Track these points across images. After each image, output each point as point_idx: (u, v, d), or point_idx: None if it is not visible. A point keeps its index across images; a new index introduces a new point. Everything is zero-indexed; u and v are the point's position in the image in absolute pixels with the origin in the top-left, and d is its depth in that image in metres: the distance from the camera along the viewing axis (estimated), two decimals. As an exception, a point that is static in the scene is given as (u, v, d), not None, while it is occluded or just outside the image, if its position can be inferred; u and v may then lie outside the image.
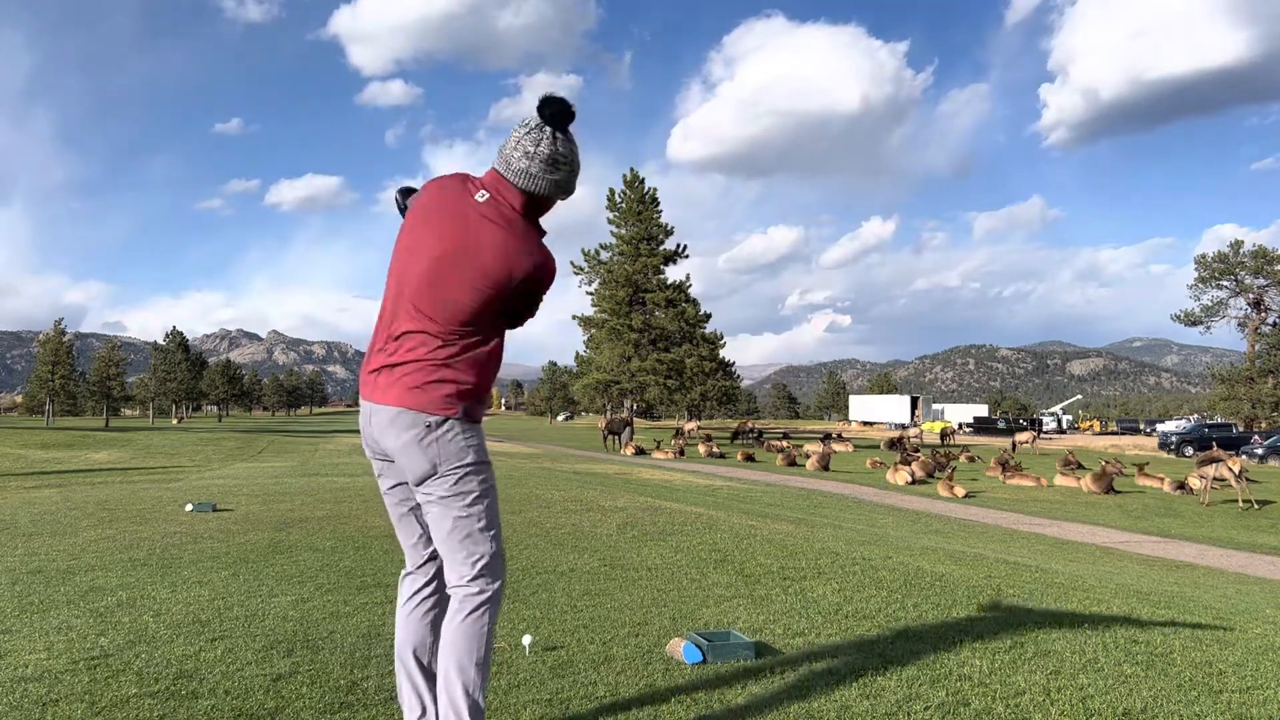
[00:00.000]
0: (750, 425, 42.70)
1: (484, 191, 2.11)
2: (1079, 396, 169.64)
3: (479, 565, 2.10)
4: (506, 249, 2.04)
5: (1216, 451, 20.03)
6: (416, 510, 2.22)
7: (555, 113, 2.08)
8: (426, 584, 2.24)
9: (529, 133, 2.09)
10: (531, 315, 2.21)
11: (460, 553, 2.10)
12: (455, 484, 2.08)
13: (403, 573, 2.29)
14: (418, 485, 2.11)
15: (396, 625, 2.25)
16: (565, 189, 2.15)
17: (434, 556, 2.22)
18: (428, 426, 2.05)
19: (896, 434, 42.48)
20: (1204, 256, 55.91)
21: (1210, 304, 55.92)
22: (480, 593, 2.09)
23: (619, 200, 51.99)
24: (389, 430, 2.09)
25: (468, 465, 2.09)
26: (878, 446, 37.64)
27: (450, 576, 2.12)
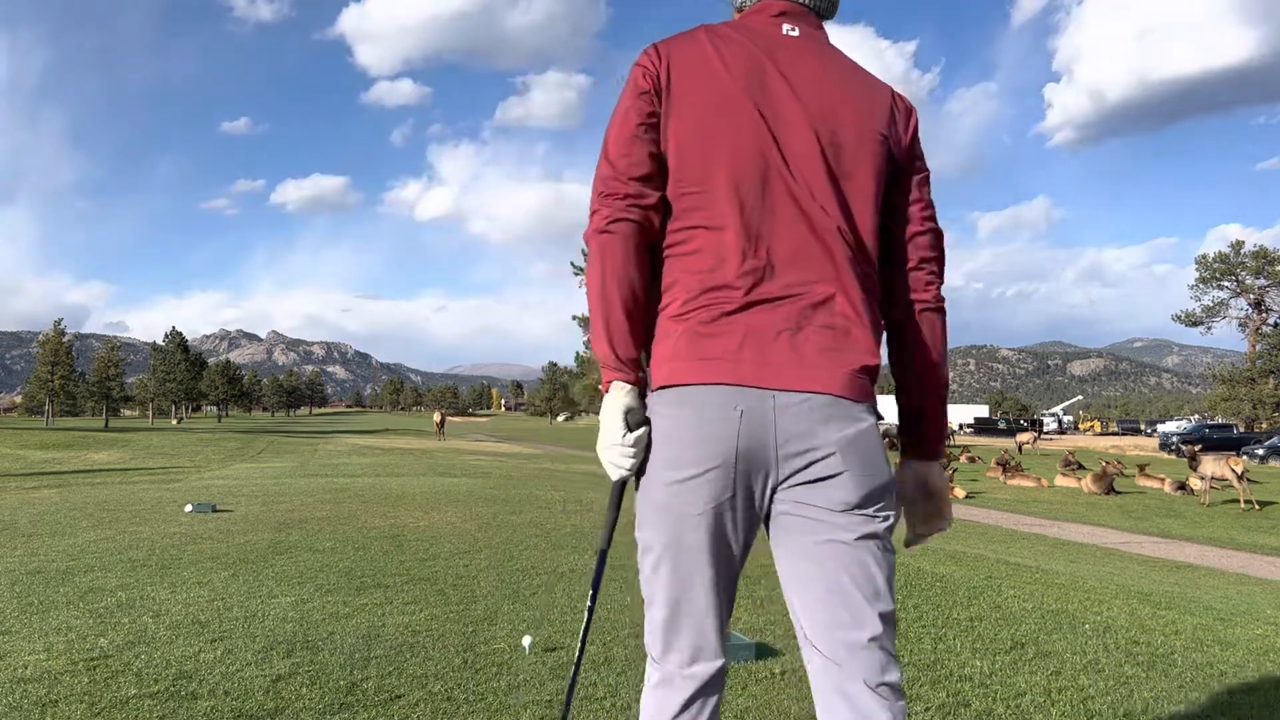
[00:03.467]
0: None
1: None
2: (1080, 397, 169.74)
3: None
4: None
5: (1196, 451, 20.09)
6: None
7: None
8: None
9: None
10: None
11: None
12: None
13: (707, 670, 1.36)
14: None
15: None
16: None
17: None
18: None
19: (886, 428, 42.45)
20: (1205, 257, 55.95)
21: (1211, 304, 55.98)
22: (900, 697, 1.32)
23: (619, 201, 52.13)
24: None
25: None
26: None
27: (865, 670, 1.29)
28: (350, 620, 3.62)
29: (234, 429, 57.43)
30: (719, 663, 1.35)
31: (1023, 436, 37.59)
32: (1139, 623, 4.18)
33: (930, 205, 1.50)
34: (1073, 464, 24.94)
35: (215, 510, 7.45)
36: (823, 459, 1.31)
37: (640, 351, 1.39)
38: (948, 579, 5.05)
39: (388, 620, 3.62)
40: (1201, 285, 56.23)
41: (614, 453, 1.35)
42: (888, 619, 1.31)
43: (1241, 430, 44.54)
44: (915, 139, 1.50)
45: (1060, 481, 21.11)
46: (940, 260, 1.49)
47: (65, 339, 69.77)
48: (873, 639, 1.29)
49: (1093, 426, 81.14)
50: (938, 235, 1.50)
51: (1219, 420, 52.61)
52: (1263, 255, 53.14)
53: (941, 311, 1.48)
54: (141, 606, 3.77)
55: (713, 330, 1.33)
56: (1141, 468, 22.36)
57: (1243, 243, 54.50)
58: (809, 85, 1.41)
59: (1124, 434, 67.83)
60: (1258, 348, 53.87)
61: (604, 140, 1.41)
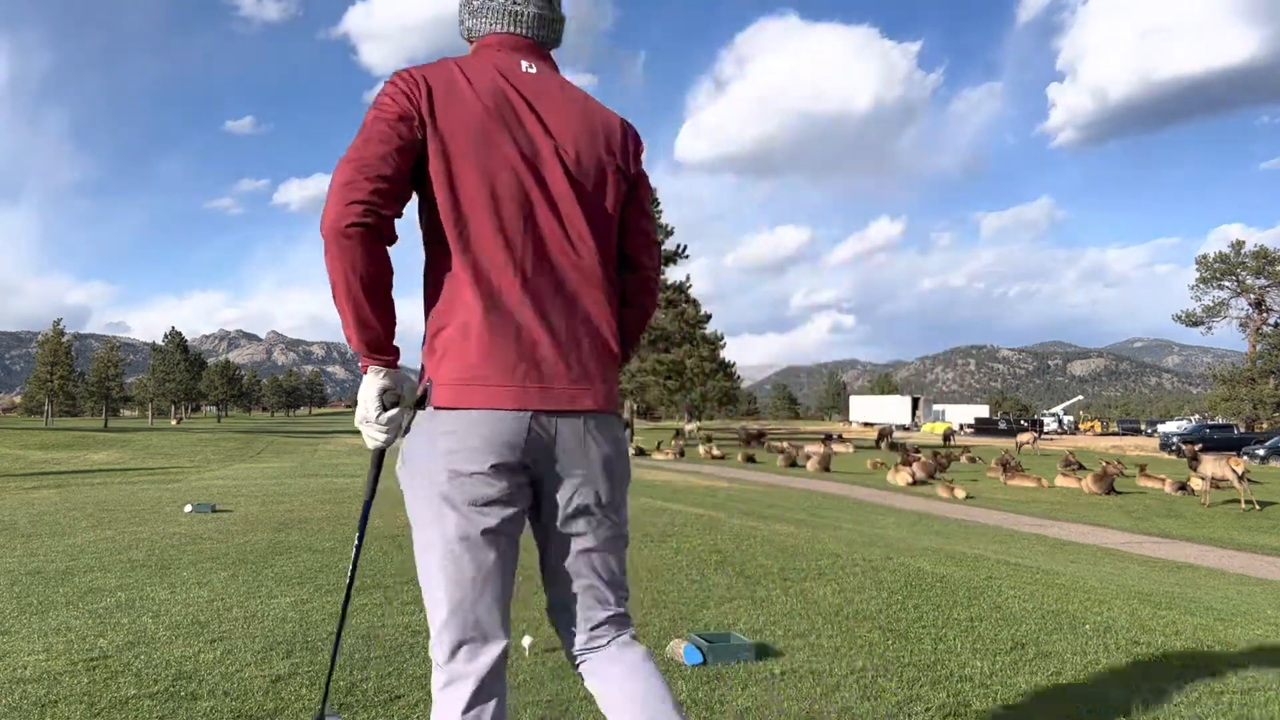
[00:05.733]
0: (758, 430, 42.69)
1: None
2: (1080, 397, 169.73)
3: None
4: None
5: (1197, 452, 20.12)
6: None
7: None
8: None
9: None
10: None
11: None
12: None
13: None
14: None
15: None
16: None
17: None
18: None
19: (884, 428, 42.46)
20: (1205, 257, 55.95)
21: (1211, 304, 55.98)
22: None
23: (619, 201, 52.08)
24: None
25: None
26: (876, 446, 37.64)
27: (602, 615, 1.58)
28: (350, 620, 3.61)
29: (233, 429, 57.45)
30: (503, 643, 1.49)
31: (1023, 437, 37.59)
32: (1139, 623, 4.18)
33: (651, 221, 1.73)
34: (1073, 464, 24.94)
35: (215, 510, 7.44)
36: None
37: (391, 339, 1.51)
38: (948, 579, 5.05)
39: (387, 620, 3.62)
40: (1202, 285, 56.22)
41: (371, 429, 1.48)
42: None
43: (1242, 430, 44.52)
44: (640, 164, 1.71)
45: (1061, 482, 21.11)
46: (658, 269, 1.73)
47: (64, 339, 69.77)
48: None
49: (1093, 427, 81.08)
50: (657, 247, 1.75)
51: (1219, 420, 52.58)
52: (1263, 255, 53.13)
53: (650, 312, 1.75)
54: (141, 607, 3.77)
55: (483, 348, 1.47)
56: (1142, 468, 22.36)
57: (1243, 243, 54.51)
58: (554, 116, 1.57)
59: (1124, 434, 67.80)
60: (1258, 348, 53.86)
61: (352, 149, 1.44)
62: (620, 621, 1.60)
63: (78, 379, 73.97)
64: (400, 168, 1.44)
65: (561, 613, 1.62)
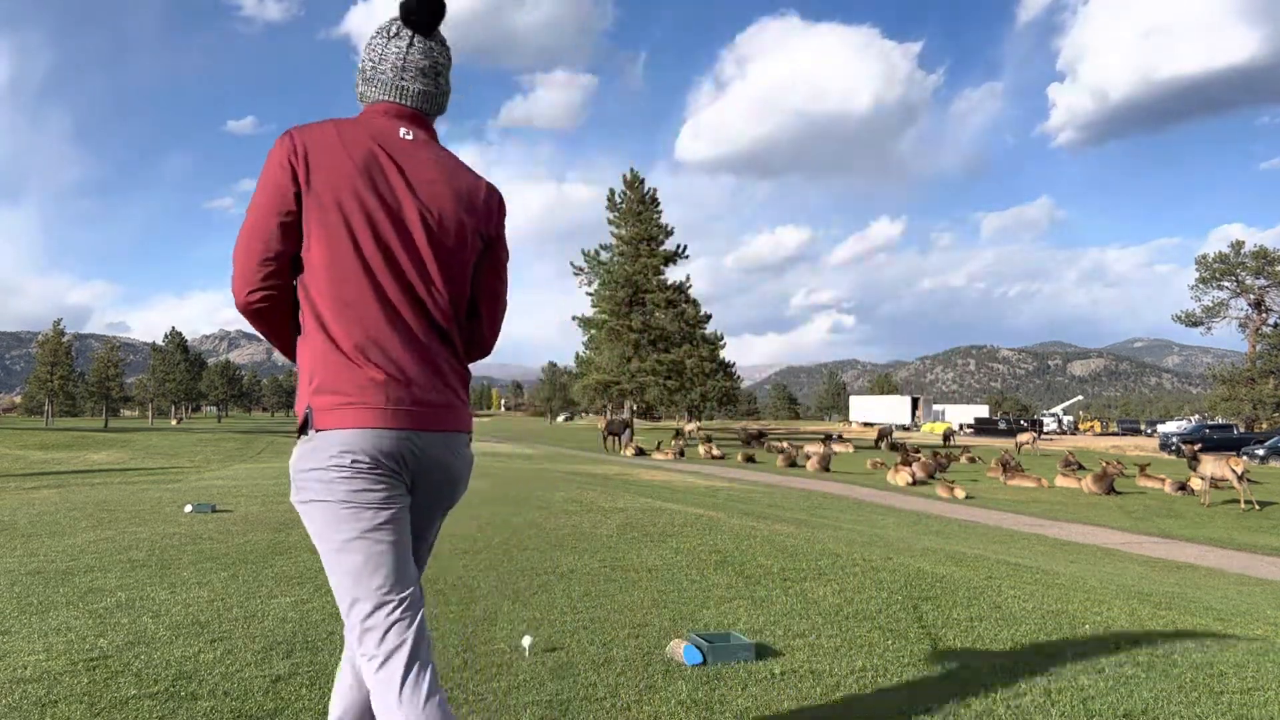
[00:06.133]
0: (758, 431, 42.70)
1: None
2: (1080, 397, 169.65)
3: None
4: None
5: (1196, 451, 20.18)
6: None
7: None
8: None
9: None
10: None
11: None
12: None
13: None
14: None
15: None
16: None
17: None
18: None
19: (884, 428, 42.46)
20: (1205, 257, 55.92)
21: (1211, 305, 55.95)
22: None
23: (619, 201, 51.92)
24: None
25: None
26: (876, 446, 37.63)
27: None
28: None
29: (234, 429, 57.45)
30: (410, 591, 1.68)
31: (1023, 437, 37.58)
32: (1139, 623, 4.18)
33: (503, 283, 1.94)
34: (1073, 464, 24.93)
35: (215, 510, 7.44)
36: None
37: None
38: (948, 579, 5.05)
39: (387, 620, 3.61)
40: (1201, 285, 56.19)
41: None
42: None
43: (1242, 430, 44.49)
44: (501, 224, 1.91)
45: (1060, 482, 21.10)
46: (497, 325, 1.95)
47: (65, 339, 69.76)
48: None
49: (1093, 427, 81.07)
50: (502, 306, 1.96)
51: (1219, 420, 52.58)
52: (1262, 255, 53.10)
53: (485, 354, 1.97)
54: (141, 607, 3.77)
55: (348, 378, 1.69)
56: (1142, 468, 22.35)
57: (1243, 243, 54.47)
58: (420, 177, 1.76)
59: (1124, 434, 67.78)
60: (1258, 348, 53.84)
61: (243, 234, 1.71)
62: None
63: (78, 379, 73.95)
64: (284, 242, 1.70)
65: None
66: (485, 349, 1.96)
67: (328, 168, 1.70)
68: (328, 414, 1.66)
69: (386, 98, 1.84)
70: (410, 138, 1.80)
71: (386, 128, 1.79)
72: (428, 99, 1.86)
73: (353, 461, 1.64)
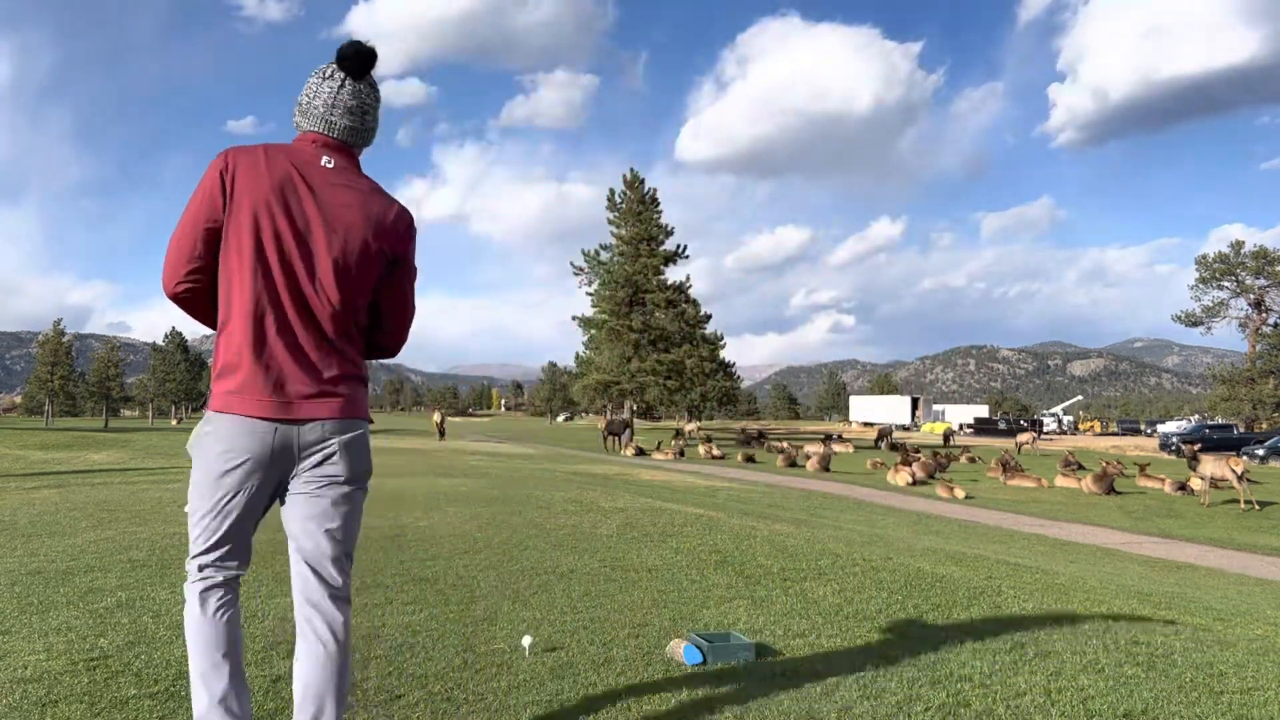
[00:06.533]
0: (758, 431, 42.70)
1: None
2: (1080, 397, 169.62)
3: None
4: None
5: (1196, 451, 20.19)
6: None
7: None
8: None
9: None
10: None
11: None
12: None
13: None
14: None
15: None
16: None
17: None
18: None
19: (883, 428, 42.45)
20: (1205, 257, 55.92)
21: (1211, 305, 55.95)
22: None
23: (619, 201, 51.91)
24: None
25: None
26: (876, 446, 37.62)
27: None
28: (351, 620, 3.61)
29: (234, 429, 57.27)
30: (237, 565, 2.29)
31: (1023, 437, 37.59)
32: (1139, 623, 4.18)
33: (405, 302, 2.18)
34: (1073, 464, 24.94)
35: (215, 510, 7.44)
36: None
37: None
38: (948, 579, 5.05)
39: (388, 620, 3.62)
40: (1201, 285, 56.20)
41: None
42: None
43: (1241, 430, 44.49)
44: (410, 244, 2.15)
45: (1060, 482, 21.10)
46: (405, 332, 2.21)
47: (65, 339, 69.72)
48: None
49: (1093, 427, 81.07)
50: (409, 316, 2.21)
51: (1219, 420, 52.58)
52: (1262, 255, 53.10)
53: (389, 355, 2.26)
54: (141, 607, 3.77)
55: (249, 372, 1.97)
56: (1142, 468, 22.35)
57: (1243, 243, 54.47)
58: (332, 200, 2.00)
59: (1124, 434, 67.76)
60: (1258, 348, 53.84)
61: (175, 235, 2.00)
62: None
63: (78, 379, 73.93)
64: (207, 245, 1.98)
65: None
66: (389, 351, 2.23)
67: (249, 187, 1.95)
68: (220, 398, 1.97)
69: (316, 129, 2.09)
70: (331, 165, 2.04)
71: (310, 155, 2.04)
72: (353, 133, 2.11)
73: (230, 446, 1.95)
